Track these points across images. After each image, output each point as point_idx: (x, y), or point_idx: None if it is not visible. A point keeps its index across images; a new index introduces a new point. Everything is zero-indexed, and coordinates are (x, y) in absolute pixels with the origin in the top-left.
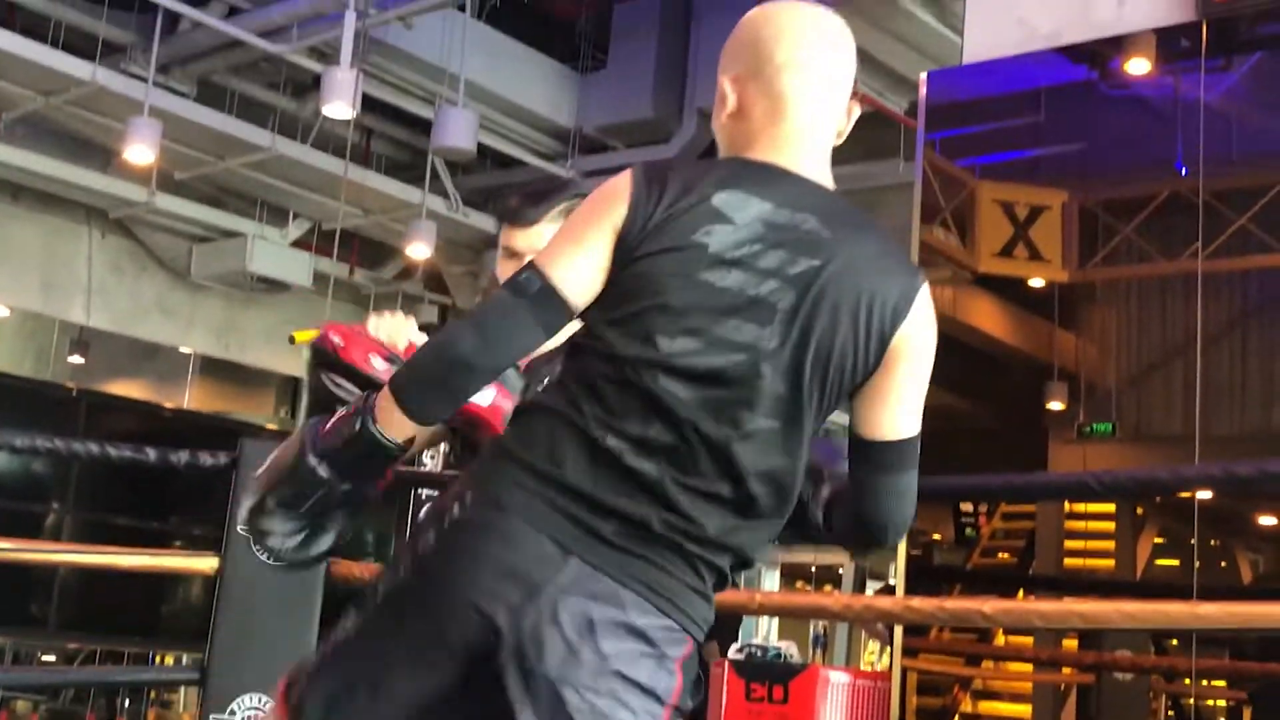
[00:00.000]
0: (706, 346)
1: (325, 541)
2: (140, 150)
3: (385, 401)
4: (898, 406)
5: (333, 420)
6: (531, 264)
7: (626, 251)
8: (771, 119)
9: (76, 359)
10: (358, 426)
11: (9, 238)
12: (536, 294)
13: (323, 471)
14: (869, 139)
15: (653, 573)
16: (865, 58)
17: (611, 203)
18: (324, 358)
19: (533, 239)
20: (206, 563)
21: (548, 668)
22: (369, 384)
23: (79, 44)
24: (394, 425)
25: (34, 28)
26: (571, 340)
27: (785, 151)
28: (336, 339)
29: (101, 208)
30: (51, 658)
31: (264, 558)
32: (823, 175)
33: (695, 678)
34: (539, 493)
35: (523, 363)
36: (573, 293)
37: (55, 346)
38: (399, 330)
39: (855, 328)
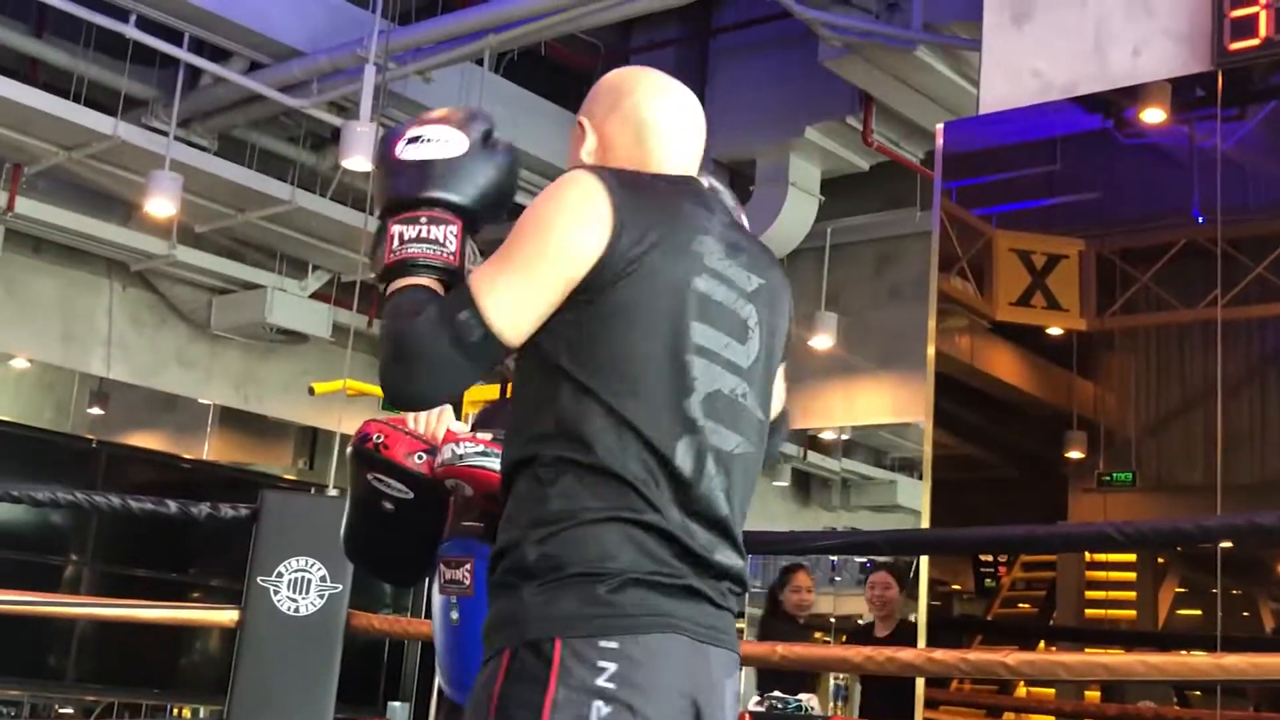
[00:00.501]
0: (713, 367)
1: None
2: (161, 203)
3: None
4: (782, 384)
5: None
6: (473, 301)
7: (624, 264)
8: (640, 143)
9: (96, 410)
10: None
11: (30, 290)
12: (477, 342)
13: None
14: (886, 189)
15: (726, 626)
16: (881, 108)
17: (591, 209)
18: (368, 458)
19: None
20: (226, 615)
21: None
22: (413, 480)
23: (101, 99)
24: None
25: (56, 83)
26: (573, 380)
27: (681, 170)
28: (379, 439)
29: (122, 260)
30: (69, 710)
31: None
32: None
33: None
34: (657, 604)
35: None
36: (515, 334)
37: (75, 398)
38: (437, 422)
39: (781, 334)
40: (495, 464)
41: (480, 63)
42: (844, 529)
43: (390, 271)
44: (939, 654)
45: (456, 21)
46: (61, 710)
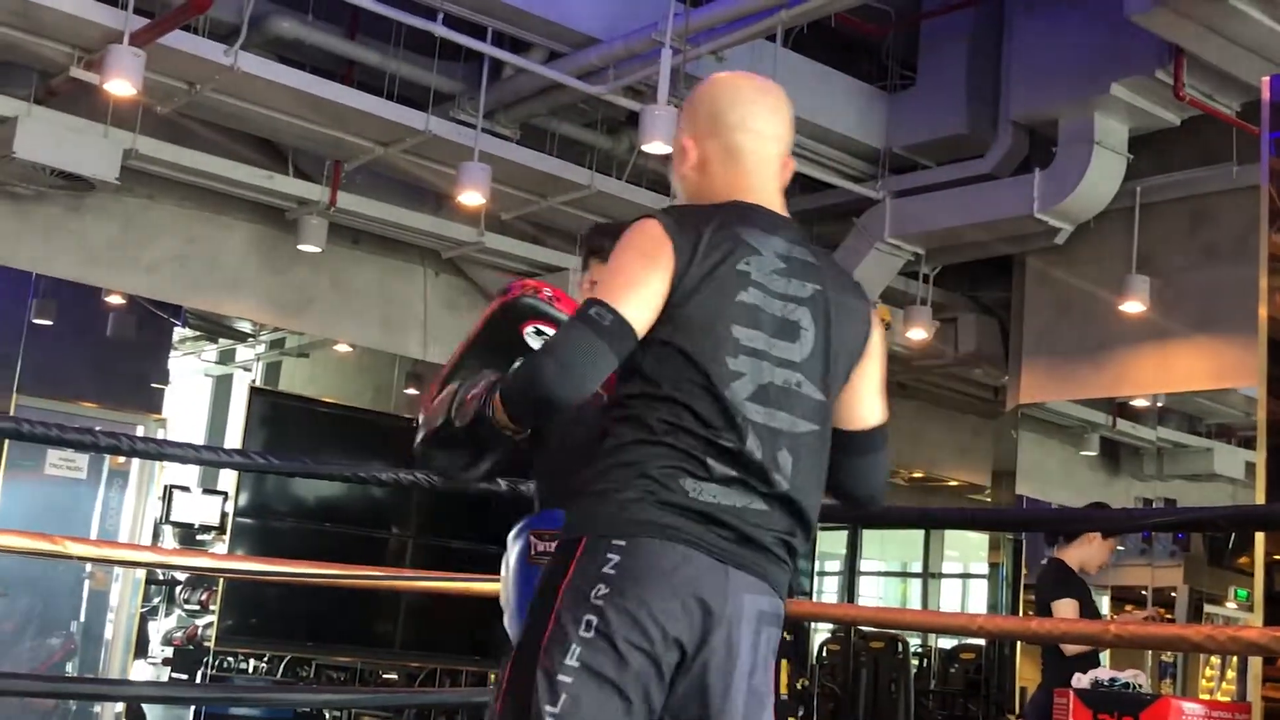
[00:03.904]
0: (761, 363)
1: (483, 467)
2: (471, 194)
3: (500, 404)
4: (874, 398)
5: (471, 390)
6: (598, 301)
7: (682, 288)
8: (729, 169)
9: (412, 391)
10: (480, 412)
11: (351, 279)
12: (610, 326)
13: (462, 435)
14: (1198, 144)
15: (765, 565)
16: (1192, 60)
17: (658, 247)
18: (533, 309)
19: None
20: None
21: (741, 665)
22: None
23: (411, 95)
24: (507, 420)
25: (370, 82)
26: (635, 367)
27: (759, 194)
28: (549, 292)
29: (434, 248)
30: (393, 675)
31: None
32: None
33: None
34: (672, 520)
35: None
36: (639, 322)
37: (395, 380)
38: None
39: (851, 338)
40: None
41: (772, 38)
42: (1158, 500)
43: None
44: None
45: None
46: (386, 676)
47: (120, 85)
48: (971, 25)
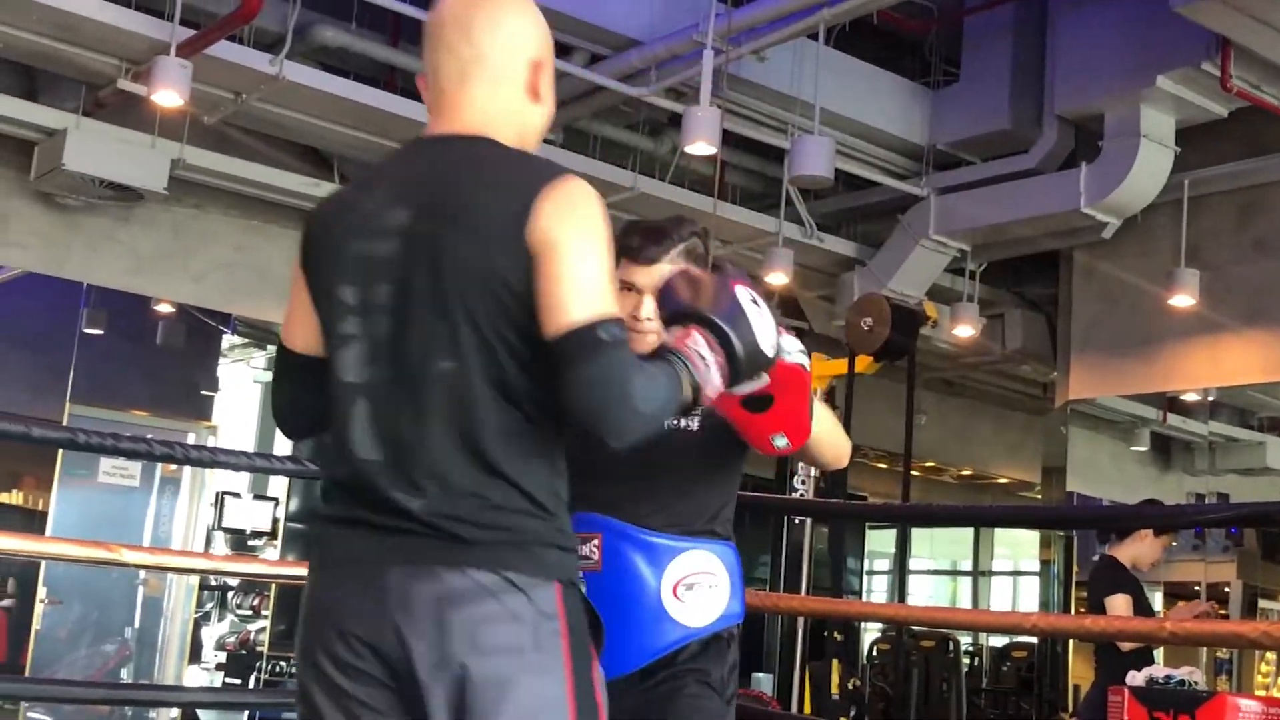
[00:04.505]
0: (370, 318)
1: None
2: None
3: None
4: (559, 300)
5: None
6: None
7: (311, 275)
8: (429, 97)
9: None
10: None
11: None
12: (277, 355)
13: None
14: (1246, 135)
15: (421, 547)
16: (1240, 51)
17: (298, 249)
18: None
19: (653, 276)
20: None
21: (420, 659)
22: None
23: None
24: None
25: (412, 88)
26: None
27: (440, 119)
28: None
29: None
30: None
31: None
32: (477, 127)
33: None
34: (330, 528)
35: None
36: (293, 339)
37: None
38: None
39: (482, 240)
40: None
41: (814, 37)
42: (1210, 495)
43: None
44: None
45: None
46: None
47: (167, 96)
48: (1014, 20)
